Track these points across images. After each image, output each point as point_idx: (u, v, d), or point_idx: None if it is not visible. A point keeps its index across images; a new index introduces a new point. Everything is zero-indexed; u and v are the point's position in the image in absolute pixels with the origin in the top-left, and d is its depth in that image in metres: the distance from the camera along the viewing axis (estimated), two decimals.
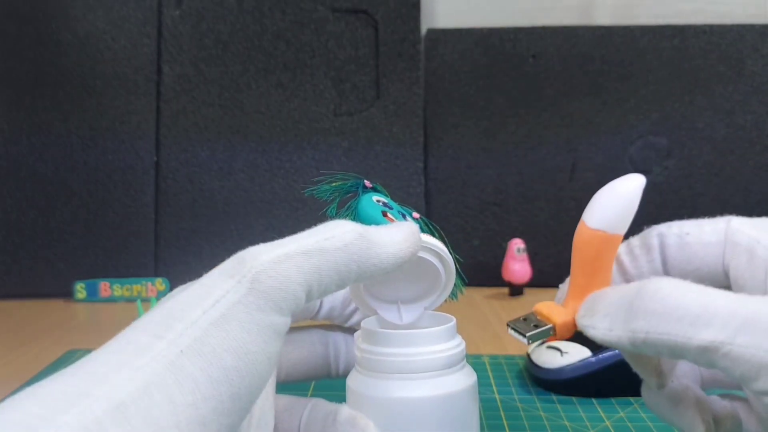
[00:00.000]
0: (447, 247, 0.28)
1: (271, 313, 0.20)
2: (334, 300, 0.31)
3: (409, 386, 0.26)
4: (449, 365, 0.26)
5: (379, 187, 0.31)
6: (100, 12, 0.76)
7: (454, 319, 0.28)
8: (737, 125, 0.78)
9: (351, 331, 0.32)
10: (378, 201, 0.29)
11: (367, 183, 0.30)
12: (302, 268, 0.20)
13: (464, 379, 0.27)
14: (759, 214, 0.83)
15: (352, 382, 0.27)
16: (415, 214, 0.30)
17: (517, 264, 0.72)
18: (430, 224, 0.31)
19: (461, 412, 0.26)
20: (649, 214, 0.89)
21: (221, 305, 0.19)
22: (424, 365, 0.26)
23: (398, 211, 0.29)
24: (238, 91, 0.77)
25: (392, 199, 0.31)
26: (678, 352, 0.20)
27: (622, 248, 0.26)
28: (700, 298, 0.20)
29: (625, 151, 0.79)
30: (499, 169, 0.79)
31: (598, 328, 0.22)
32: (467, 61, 0.80)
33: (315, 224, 0.23)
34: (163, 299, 0.22)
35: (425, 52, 0.81)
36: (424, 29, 0.81)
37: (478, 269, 0.76)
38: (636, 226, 0.25)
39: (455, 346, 0.27)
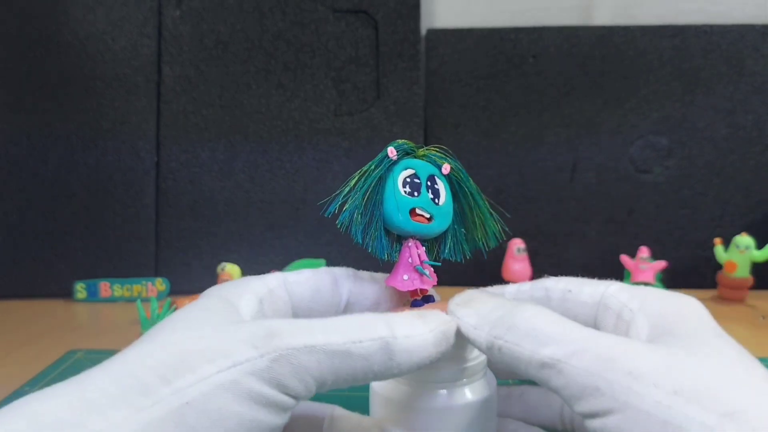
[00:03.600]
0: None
1: (281, 394, 0.20)
2: (362, 305, 0.30)
3: (433, 395, 0.26)
4: (471, 375, 0.27)
5: (406, 147, 0.28)
6: (100, 12, 0.76)
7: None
8: (738, 125, 0.78)
9: None
10: (407, 178, 0.27)
11: (391, 153, 0.28)
12: (322, 364, 0.21)
13: (483, 389, 0.27)
14: (759, 214, 0.83)
15: (378, 384, 0.27)
16: (446, 168, 0.29)
17: (517, 264, 0.72)
18: (462, 178, 0.29)
19: (480, 421, 0.27)
20: (649, 214, 0.89)
21: (237, 371, 0.19)
22: (447, 376, 0.26)
23: (426, 189, 0.28)
24: (238, 92, 0.77)
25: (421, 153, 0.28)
26: (523, 364, 0.22)
27: (511, 290, 0.29)
28: (554, 325, 0.23)
29: (625, 151, 0.79)
30: (499, 169, 0.79)
31: (466, 322, 0.25)
32: (467, 61, 0.80)
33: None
34: (177, 320, 0.22)
35: (425, 52, 0.81)
36: (424, 29, 0.81)
37: (478, 269, 0.76)
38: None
39: (476, 356, 0.27)
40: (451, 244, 0.30)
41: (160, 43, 0.77)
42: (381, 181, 0.27)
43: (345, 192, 0.28)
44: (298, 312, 0.28)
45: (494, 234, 0.30)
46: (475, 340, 0.24)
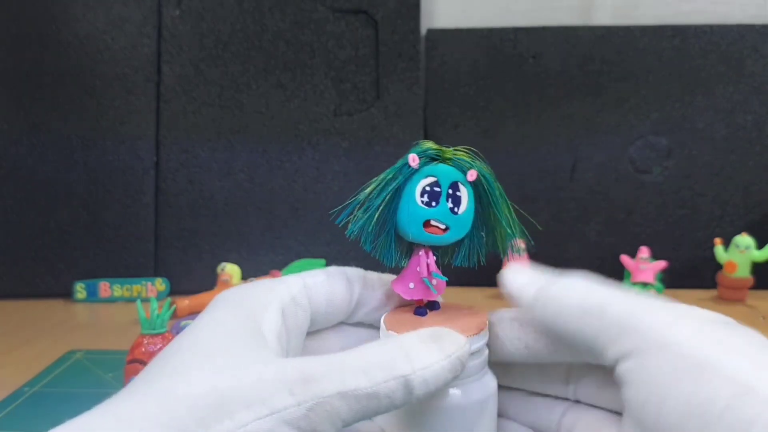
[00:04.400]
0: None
1: None
2: (369, 306, 0.30)
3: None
4: (471, 374, 0.26)
5: (431, 153, 0.27)
6: (100, 12, 0.76)
7: (486, 335, 0.27)
8: (737, 125, 0.78)
9: (376, 327, 0.32)
10: (426, 187, 0.27)
11: (412, 161, 0.26)
12: (352, 408, 0.21)
13: (484, 389, 0.27)
14: (759, 214, 0.84)
15: None
16: (471, 175, 0.27)
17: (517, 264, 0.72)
18: (487, 186, 0.28)
19: (480, 421, 0.27)
20: (649, 214, 0.89)
21: (274, 420, 0.20)
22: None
23: (446, 198, 0.27)
24: (238, 91, 0.77)
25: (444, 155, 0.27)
26: (566, 311, 0.24)
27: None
28: (601, 285, 0.25)
29: (625, 151, 0.79)
30: (499, 169, 0.79)
31: (516, 280, 0.27)
32: (467, 61, 0.80)
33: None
34: (204, 343, 0.22)
35: (425, 52, 0.81)
36: (424, 29, 0.81)
37: (479, 269, 0.76)
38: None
39: (477, 356, 0.27)
40: (466, 252, 0.29)
41: (159, 43, 0.77)
42: (398, 191, 0.27)
43: (360, 200, 0.27)
44: (316, 317, 0.29)
45: (512, 244, 0.29)
46: (521, 296, 0.26)
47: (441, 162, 0.27)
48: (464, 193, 0.27)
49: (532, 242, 0.30)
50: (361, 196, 0.27)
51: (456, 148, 0.28)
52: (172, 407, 0.19)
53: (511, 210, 0.29)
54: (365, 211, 0.27)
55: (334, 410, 0.21)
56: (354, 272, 0.30)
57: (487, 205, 0.28)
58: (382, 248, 0.28)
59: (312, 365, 0.21)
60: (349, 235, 0.27)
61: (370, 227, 0.27)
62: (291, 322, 0.27)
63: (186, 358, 0.21)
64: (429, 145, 0.27)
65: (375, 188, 0.27)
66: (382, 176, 0.27)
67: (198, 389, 0.20)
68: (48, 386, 0.47)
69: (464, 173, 0.27)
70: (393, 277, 0.29)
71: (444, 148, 0.27)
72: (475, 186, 0.28)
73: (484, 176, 0.28)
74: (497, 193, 0.28)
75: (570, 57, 0.79)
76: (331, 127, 0.78)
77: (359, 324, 0.32)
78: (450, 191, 0.27)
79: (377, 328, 0.31)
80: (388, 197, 0.27)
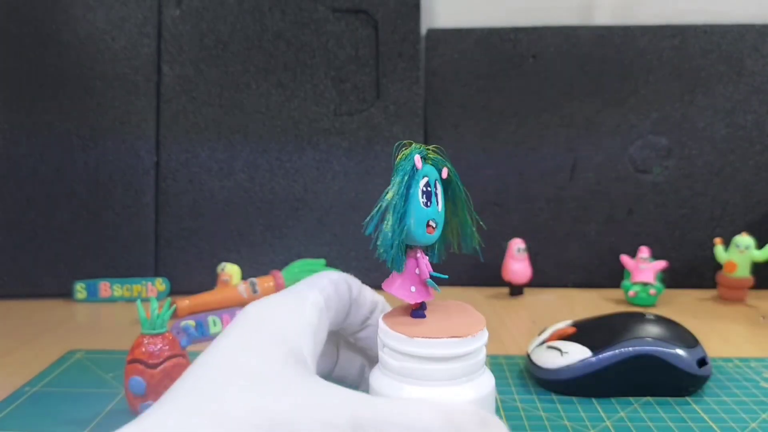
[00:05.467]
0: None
1: None
2: (363, 307, 0.31)
3: (435, 393, 0.26)
4: (471, 372, 0.26)
5: (424, 153, 0.27)
6: (100, 12, 0.76)
7: (484, 334, 0.27)
8: (737, 125, 0.78)
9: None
10: (423, 188, 0.26)
11: (417, 162, 0.26)
12: None
13: (483, 386, 0.27)
14: (759, 214, 0.84)
15: (375, 381, 0.27)
16: (445, 173, 0.28)
17: (517, 264, 0.72)
18: (457, 181, 0.28)
19: None
20: (649, 214, 0.89)
21: None
22: (448, 373, 0.26)
23: (437, 202, 0.27)
24: (238, 91, 0.77)
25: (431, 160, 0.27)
26: None
27: None
28: None
29: (625, 151, 0.79)
30: (499, 169, 0.79)
31: None
32: (467, 61, 0.80)
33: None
34: (243, 374, 0.21)
35: (425, 52, 0.81)
36: (424, 29, 0.81)
37: (478, 269, 0.76)
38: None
39: (477, 354, 0.27)
40: (440, 248, 0.30)
41: (159, 43, 0.77)
42: (408, 194, 0.26)
43: (382, 209, 0.26)
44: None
45: (470, 240, 0.29)
46: None
47: (424, 161, 0.27)
48: (440, 190, 0.28)
49: (482, 244, 0.30)
50: (383, 203, 0.26)
51: (427, 147, 0.28)
52: (226, 428, 0.18)
53: (470, 204, 0.29)
54: (398, 222, 0.26)
55: None
56: (352, 279, 0.31)
57: (453, 200, 0.29)
58: (395, 256, 0.26)
59: (364, 410, 0.21)
60: (379, 256, 0.26)
61: (391, 234, 0.26)
62: (319, 340, 0.27)
63: (232, 379, 0.21)
64: (421, 145, 0.27)
65: (394, 195, 0.26)
66: (398, 180, 0.26)
67: (252, 413, 0.19)
68: (48, 386, 0.47)
69: (439, 171, 0.28)
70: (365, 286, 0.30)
71: (426, 149, 0.28)
72: (444, 183, 0.29)
73: (455, 174, 0.28)
74: (462, 188, 0.29)
75: (570, 57, 0.79)
76: (331, 127, 0.78)
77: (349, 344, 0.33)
78: (435, 190, 0.27)
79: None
80: (403, 202, 0.26)
